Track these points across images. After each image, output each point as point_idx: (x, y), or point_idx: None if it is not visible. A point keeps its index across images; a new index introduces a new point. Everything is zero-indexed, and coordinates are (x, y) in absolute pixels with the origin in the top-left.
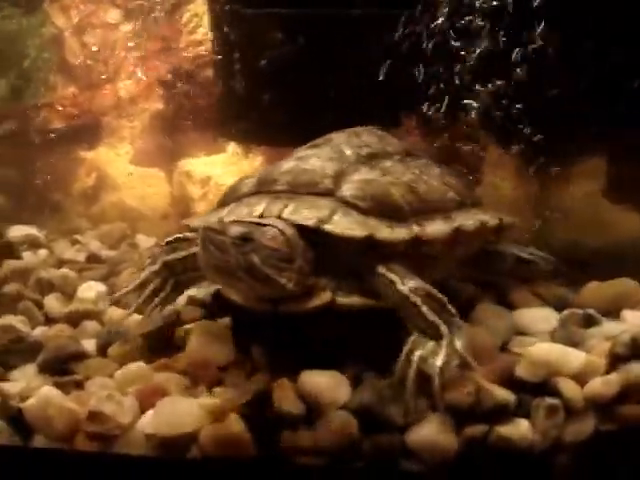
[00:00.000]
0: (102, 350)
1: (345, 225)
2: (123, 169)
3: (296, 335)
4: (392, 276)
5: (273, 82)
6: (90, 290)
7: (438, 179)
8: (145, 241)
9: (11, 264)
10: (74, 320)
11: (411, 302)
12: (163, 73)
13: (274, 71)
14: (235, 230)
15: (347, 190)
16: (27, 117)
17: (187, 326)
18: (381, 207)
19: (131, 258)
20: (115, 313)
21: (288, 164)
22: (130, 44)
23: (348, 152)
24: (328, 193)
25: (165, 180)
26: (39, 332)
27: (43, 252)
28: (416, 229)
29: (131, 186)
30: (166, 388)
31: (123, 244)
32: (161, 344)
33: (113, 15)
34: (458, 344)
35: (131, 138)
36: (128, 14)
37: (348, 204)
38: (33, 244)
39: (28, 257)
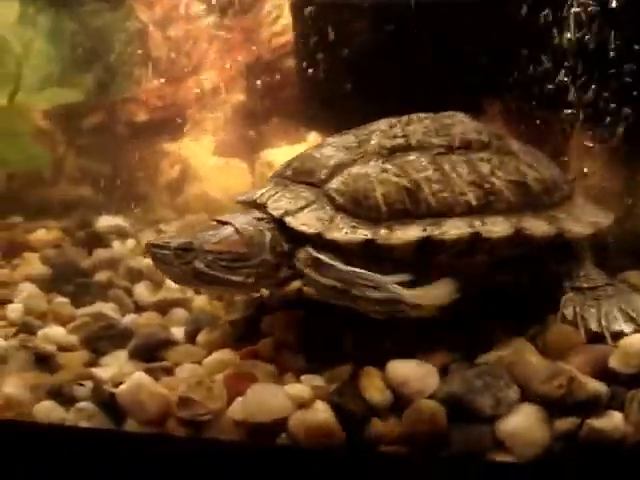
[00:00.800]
0: (191, 337)
1: (304, 220)
2: (206, 160)
3: (382, 323)
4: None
5: (355, 70)
6: None
7: (491, 177)
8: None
9: (101, 253)
10: (163, 308)
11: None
12: (245, 64)
13: (356, 59)
14: (175, 242)
15: (334, 183)
16: (113, 110)
17: (273, 314)
18: (356, 205)
19: None
20: (203, 301)
21: (307, 151)
22: (212, 36)
23: (373, 141)
24: (319, 184)
25: (247, 171)
26: (129, 319)
27: (131, 242)
28: (379, 232)
29: (214, 177)
30: (254, 375)
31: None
32: (248, 331)
33: (196, 8)
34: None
35: (214, 130)
36: (210, 7)
37: (328, 198)
38: (121, 234)
39: (117, 247)
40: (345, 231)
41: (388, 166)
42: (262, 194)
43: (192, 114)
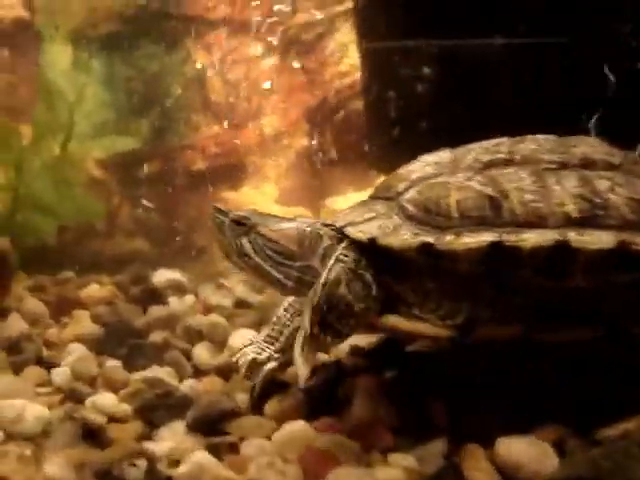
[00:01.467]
0: (257, 407)
1: (363, 228)
2: (268, 210)
3: (483, 389)
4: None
5: (427, 112)
6: (242, 338)
7: (607, 193)
8: None
9: (156, 311)
10: (226, 372)
11: None
12: (308, 107)
13: (429, 99)
14: (234, 213)
15: (409, 194)
16: (170, 158)
17: (352, 379)
18: (426, 212)
19: (279, 302)
20: (270, 364)
21: (399, 169)
22: (273, 79)
23: (469, 156)
24: (395, 197)
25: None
26: (188, 386)
27: (189, 298)
28: (443, 238)
29: None
30: (334, 454)
31: (269, 288)
32: (323, 400)
33: (256, 50)
34: None
35: (276, 177)
36: (271, 48)
37: (401, 208)
38: (178, 289)
39: (174, 303)
40: (404, 237)
41: (475, 177)
42: (341, 212)
43: (253, 161)
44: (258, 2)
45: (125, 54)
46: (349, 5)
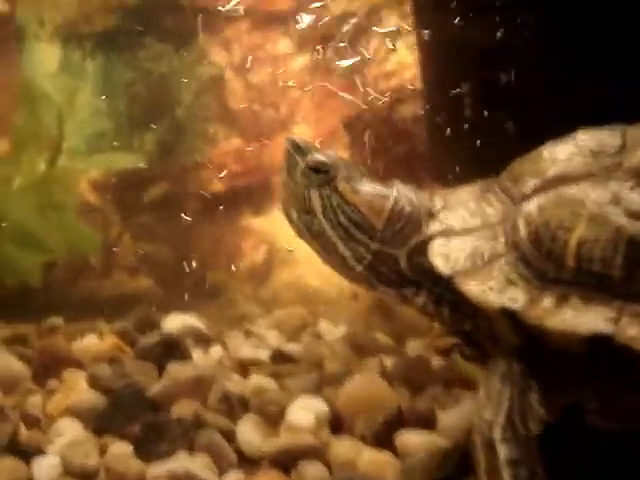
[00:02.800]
0: None
1: (452, 248)
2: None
3: None
4: None
5: (512, 113)
6: (305, 411)
7: None
8: (330, 329)
9: (178, 370)
10: (285, 461)
11: None
12: (348, 115)
13: (515, 99)
14: (315, 155)
15: (530, 204)
16: (180, 179)
17: None
18: (536, 245)
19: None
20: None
21: (548, 145)
22: (305, 81)
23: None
24: (518, 200)
25: None
26: None
27: (215, 350)
28: (536, 302)
29: (310, 260)
30: None
31: (304, 334)
32: None
33: (283, 46)
34: None
35: None
36: (302, 44)
37: (513, 226)
38: (199, 339)
39: (198, 358)
40: (489, 285)
41: (629, 196)
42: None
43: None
44: None
45: (126, 54)
46: None
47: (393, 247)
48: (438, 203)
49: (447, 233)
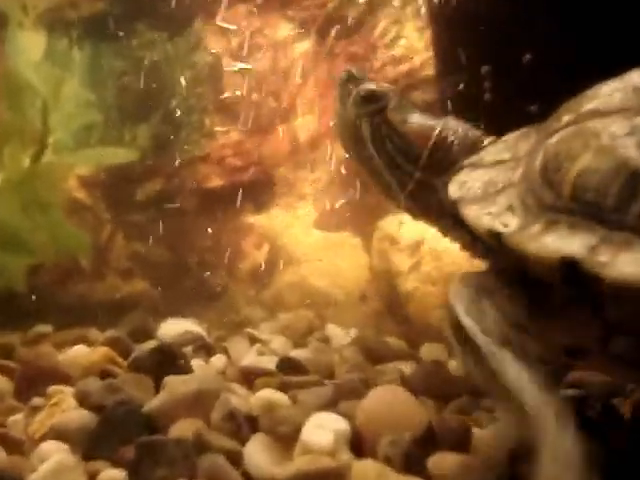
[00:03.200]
0: None
1: (472, 177)
2: (304, 237)
3: None
4: None
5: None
6: (322, 430)
7: None
8: (339, 334)
9: (177, 383)
10: None
11: None
12: None
13: (532, 83)
14: (368, 85)
15: (553, 138)
16: (176, 174)
17: None
18: (542, 176)
19: (331, 361)
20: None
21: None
22: (309, 68)
23: None
24: (547, 135)
25: (361, 248)
26: None
27: (218, 359)
28: (525, 227)
29: (316, 259)
30: None
31: (311, 339)
32: None
33: (284, 31)
34: None
35: (314, 195)
36: (304, 27)
37: (531, 157)
38: (199, 346)
39: (199, 368)
40: (488, 210)
41: None
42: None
43: (284, 175)
44: None
45: (115, 41)
46: None
47: (433, 176)
48: (486, 140)
49: (476, 164)
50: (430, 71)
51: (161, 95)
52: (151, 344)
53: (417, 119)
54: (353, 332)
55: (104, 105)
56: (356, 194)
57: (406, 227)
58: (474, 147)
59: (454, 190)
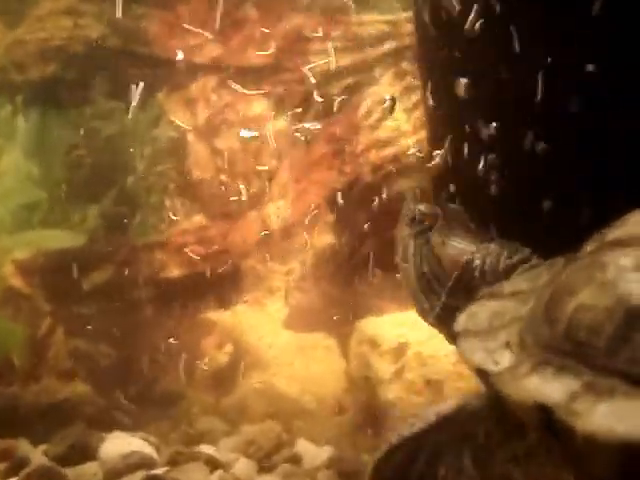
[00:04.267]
0: None
1: (477, 316)
2: (273, 337)
3: None
4: None
5: (546, 187)
6: None
7: None
8: (311, 451)
9: None
10: None
11: None
12: (333, 189)
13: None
14: (420, 208)
15: (563, 271)
16: (129, 261)
17: None
18: (545, 310)
19: None
20: None
21: None
22: (283, 149)
23: None
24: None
25: (337, 352)
26: None
27: None
28: (516, 367)
29: (286, 362)
30: None
31: (279, 458)
32: None
33: (257, 107)
34: None
35: (286, 290)
36: (279, 105)
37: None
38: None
39: None
40: (485, 346)
41: None
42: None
43: (253, 266)
44: (263, 39)
45: (67, 110)
46: (393, 45)
47: (460, 302)
48: (521, 269)
49: (495, 294)
50: (418, 156)
51: (116, 172)
52: (93, 468)
53: (455, 242)
54: (327, 450)
55: (49, 181)
56: (333, 290)
57: (388, 329)
58: (507, 275)
59: (461, 321)
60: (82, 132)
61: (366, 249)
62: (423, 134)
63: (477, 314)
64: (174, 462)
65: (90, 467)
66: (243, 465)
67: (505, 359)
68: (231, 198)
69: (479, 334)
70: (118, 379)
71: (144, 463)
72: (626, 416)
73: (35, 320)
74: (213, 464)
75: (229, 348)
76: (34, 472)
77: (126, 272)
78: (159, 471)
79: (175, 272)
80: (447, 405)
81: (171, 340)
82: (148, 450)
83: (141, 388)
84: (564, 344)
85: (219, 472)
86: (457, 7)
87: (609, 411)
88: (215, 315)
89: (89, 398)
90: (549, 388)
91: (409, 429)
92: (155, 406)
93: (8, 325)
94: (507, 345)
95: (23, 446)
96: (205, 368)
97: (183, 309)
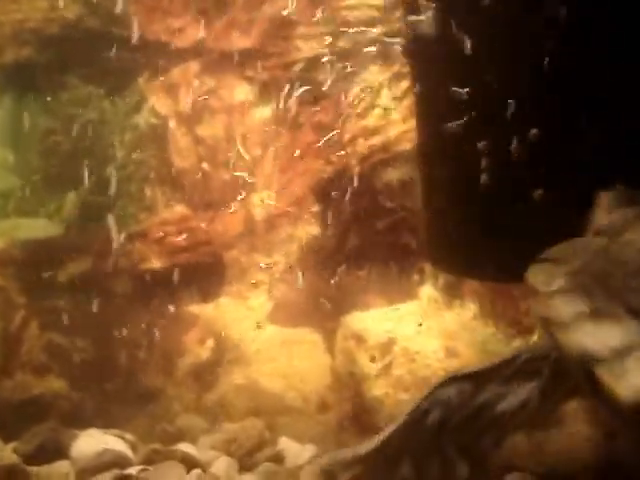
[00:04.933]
0: None
1: None
2: (256, 332)
3: None
4: None
5: (540, 178)
6: None
7: None
8: (294, 450)
9: None
10: None
11: None
12: (319, 180)
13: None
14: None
15: None
16: (107, 252)
17: None
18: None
19: None
20: None
21: None
22: (267, 137)
23: None
24: None
25: (322, 347)
26: None
27: None
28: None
29: (269, 358)
30: None
31: (260, 457)
32: None
33: (241, 93)
34: None
35: (269, 282)
36: (264, 91)
37: None
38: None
39: None
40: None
41: None
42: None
43: (235, 258)
44: (247, 23)
45: (43, 95)
46: (381, 30)
47: None
48: None
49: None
50: (407, 145)
51: (94, 160)
52: (64, 467)
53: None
54: (311, 448)
55: (25, 168)
56: (318, 284)
57: (375, 324)
58: None
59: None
60: (58, 118)
61: (353, 242)
62: (412, 123)
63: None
64: (150, 461)
65: (61, 465)
66: (223, 464)
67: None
68: (213, 188)
69: (552, 261)
70: (95, 374)
71: (117, 462)
72: None
73: (8, 313)
74: (190, 463)
75: (210, 343)
76: (0, 470)
77: (103, 264)
78: (132, 470)
79: (155, 263)
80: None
81: (151, 334)
82: (122, 448)
83: (119, 384)
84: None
85: (196, 471)
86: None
87: None
88: (197, 308)
89: (64, 394)
90: (597, 340)
91: None
92: (133, 403)
93: None
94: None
95: None
96: (186, 363)
97: (163, 302)
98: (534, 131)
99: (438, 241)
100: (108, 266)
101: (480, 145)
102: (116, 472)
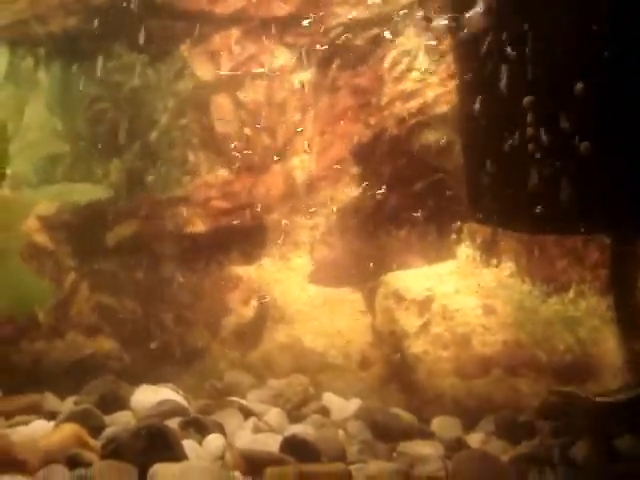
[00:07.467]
0: None
1: None
2: (298, 292)
3: None
4: None
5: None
6: None
7: None
8: (338, 404)
9: (169, 475)
10: None
11: None
12: (358, 143)
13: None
14: None
15: None
16: (154, 216)
17: None
18: None
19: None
20: None
21: None
22: (308, 101)
23: None
24: None
25: (363, 306)
26: None
27: (213, 439)
28: None
29: (311, 317)
30: None
31: (307, 410)
32: None
33: (282, 59)
34: None
35: (310, 244)
36: (304, 57)
37: None
38: (186, 421)
39: (192, 451)
40: None
41: None
42: None
43: (277, 220)
44: None
45: (89, 63)
46: None
47: None
48: None
49: None
50: (445, 108)
51: (139, 126)
52: (126, 416)
53: None
54: (354, 402)
55: (72, 134)
56: (358, 244)
57: (414, 282)
58: None
59: None
60: (104, 86)
61: (391, 203)
62: (450, 85)
63: None
64: (205, 412)
65: (124, 415)
66: (274, 415)
67: None
68: (255, 152)
69: None
70: (143, 334)
71: (176, 411)
72: None
73: (59, 276)
74: (246, 412)
75: (254, 303)
76: (68, 418)
77: (149, 227)
78: (184, 403)
79: (199, 227)
80: None
81: (196, 295)
82: (178, 399)
83: (167, 343)
84: None
85: (253, 419)
86: None
87: None
88: (240, 270)
89: (114, 353)
90: None
91: None
92: (181, 361)
93: (34, 280)
94: None
95: (49, 400)
96: (230, 322)
97: (207, 264)
98: (580, 85)
99: (479, 194)
100: (153, 229)
101: (525, 102)
102: (180, 419)
